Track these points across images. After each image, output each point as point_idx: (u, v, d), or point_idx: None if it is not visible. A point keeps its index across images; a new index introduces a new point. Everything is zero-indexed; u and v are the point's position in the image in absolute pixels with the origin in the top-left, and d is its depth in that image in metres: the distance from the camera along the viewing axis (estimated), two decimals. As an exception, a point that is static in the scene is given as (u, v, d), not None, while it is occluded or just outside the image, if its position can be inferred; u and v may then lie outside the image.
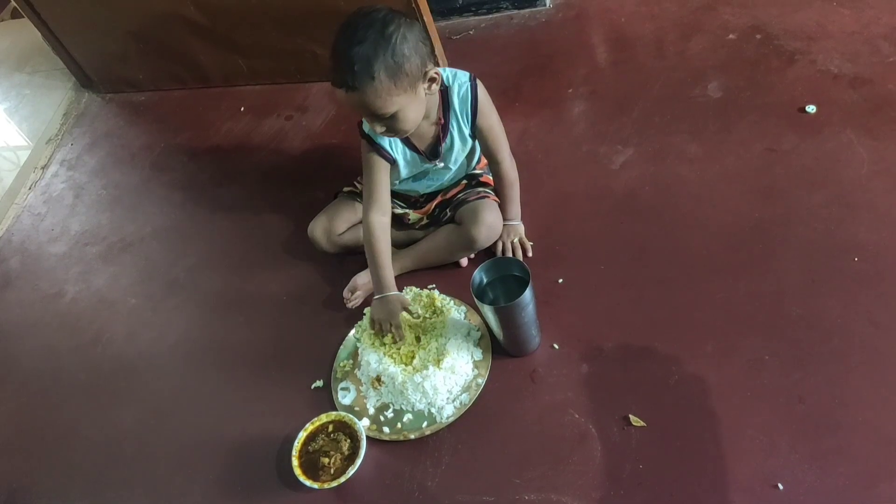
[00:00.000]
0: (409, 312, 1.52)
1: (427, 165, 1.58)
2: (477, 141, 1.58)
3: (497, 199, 1.64)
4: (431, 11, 2.05)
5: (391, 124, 1.37)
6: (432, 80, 1.37)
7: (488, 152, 1.57)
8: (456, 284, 1.61)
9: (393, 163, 1.55)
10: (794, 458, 1.21)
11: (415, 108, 1.37)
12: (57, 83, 2.70)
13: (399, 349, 1.52)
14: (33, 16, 2.40)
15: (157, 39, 2.33)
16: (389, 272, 1.54)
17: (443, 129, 1.50)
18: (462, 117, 1.50)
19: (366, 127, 1.51)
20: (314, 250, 1.72)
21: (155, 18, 2.25)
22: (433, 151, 1.55)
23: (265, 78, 2.36)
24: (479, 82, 1.49)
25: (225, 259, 1.90)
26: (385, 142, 1.51)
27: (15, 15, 3.11)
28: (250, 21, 2.17)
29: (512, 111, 1.98)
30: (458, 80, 1.48)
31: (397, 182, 1.64)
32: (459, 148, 1.56)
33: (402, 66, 1.29)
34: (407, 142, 1.52)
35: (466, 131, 1.52)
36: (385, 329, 1.50)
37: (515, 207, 1.65)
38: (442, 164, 1.60)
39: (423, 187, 1.66)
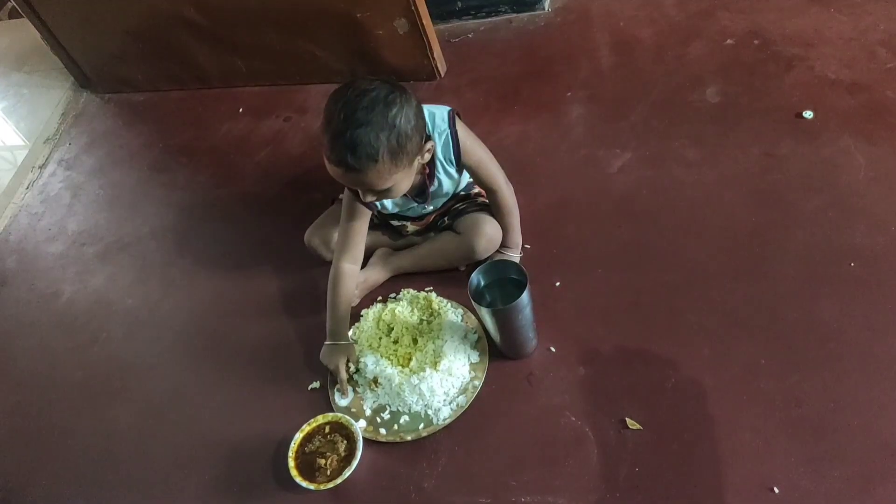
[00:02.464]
0: (352, 365, 1.53)
1: (414, 205, 1.58)
2: (468, 174, 1.56)
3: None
4: (430, 14, 2.05)
5: (383, 195, 1.36)
6: (427, 150, 1.38)
7: (483, 184, 1.55)
8: (453, 287, 1.61)
9: (376, 210, 1.56)
10: (789, 461, 1.22)
11: (409, 178, 1.37)
12: (55, 83, 2.70)
13: (396, 351, 1.52)
14: (32, 15, 2.40)
15: (156, 40, 2.33)
16: (345, 322, 1.55)
17: (429, 176, 1.49)
18: (446, 162, 1.48)
19: None
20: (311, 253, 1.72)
21: (154, 18, 2.25)
22: (421, 195, 1.54)
23: (264, 79, 2.37)
24: (457, 120, 1.45)
25: (222, 260, 1.90)
26: None
27: (13, 15, 3.10)
28: (249, 22, 2.17)
29: (510, 114, 1.98)
30: (438, 127, 1.43)
31: (389, 213, 1.64)
32: (449, 186, 1.55)
33: (404, 147, 1.28)
34: None
35: (452, 170, 1.51)
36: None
37: (515, 235, 1.61)
38: (431, 207, 1.60)
39: (416, 213, 1.65)
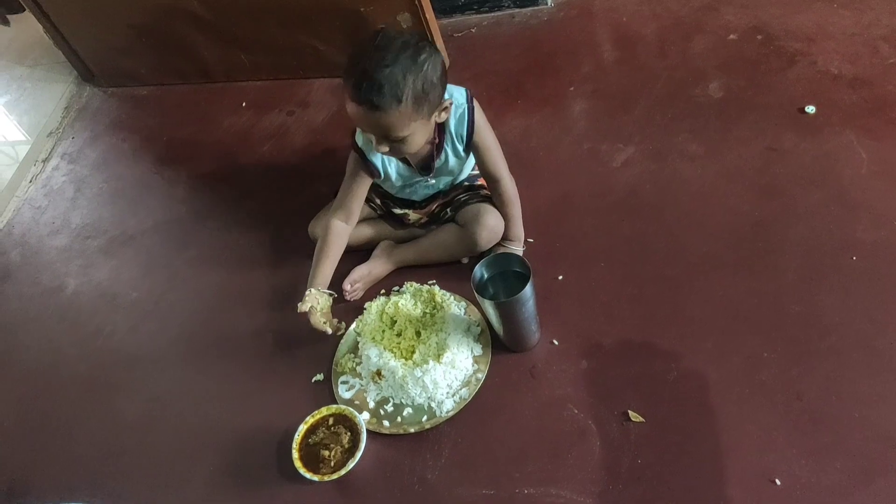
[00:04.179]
0: (315, 311, 1.53)
1: (418, 178, 1.59)
2: (474, 158, 1.57)
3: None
4: (434, 9, 2.05)
5: (397, 146, 1.37)
6: (445, 109, 1.40)
7: (486, 171, 1.55)
8: (456, 280, 1.62)
9: (380, 177, 1.56)
10: (791, 453, 1.22)
11: (425, 133, 1.39)
12: (58, 76, 2.70)
13: (399, 344, 1.53)
14: (35, 8, 2.40)
15: (159, 33, 2.33)
16: (324, 272, 1.56)
17: (437, 147, 1.50)
18: (457, 138, 1.49)
19: (359, 139, 1.51)
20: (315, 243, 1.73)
21: (157, 12, 2.25)
22: (426, 167, 1.55)
23: (267, 73, 2.37)
24: (475, 102, 1.47)
25: (226, 252, 1.91)
26: (377, 157, 1.52)
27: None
28: (253, 16, 2.17)
29: (514, 109, 1.99)
30: (456, 101, 1.45)
31: (392, 190, 1.65)
32: (454, 164, 1.56)
33: (427, 94, 1.30)
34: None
35: (461, 148, 1.52)
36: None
37: (517, 227, 1.61)
38: (434, 180, 1.61)
39: (418, 196, 1.66)
